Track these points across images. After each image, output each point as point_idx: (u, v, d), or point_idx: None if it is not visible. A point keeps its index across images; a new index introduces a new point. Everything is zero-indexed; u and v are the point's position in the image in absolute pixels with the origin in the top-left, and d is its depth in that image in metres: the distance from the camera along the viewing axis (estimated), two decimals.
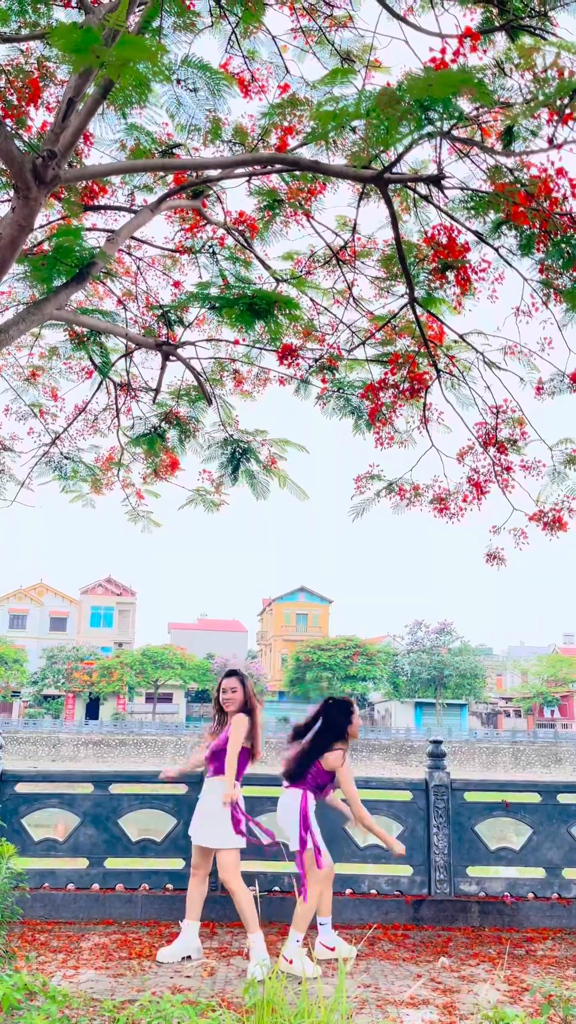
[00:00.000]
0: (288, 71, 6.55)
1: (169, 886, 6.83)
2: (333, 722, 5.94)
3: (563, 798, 7.18)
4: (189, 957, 5.64)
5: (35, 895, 6.54)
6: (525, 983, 5.34)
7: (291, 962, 5.36)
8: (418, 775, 7.28)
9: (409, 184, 6.06)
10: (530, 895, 6.93)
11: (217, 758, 5.82)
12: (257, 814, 7.04)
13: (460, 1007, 4.87)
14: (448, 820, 6.99)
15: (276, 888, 6.81)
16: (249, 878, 6.81)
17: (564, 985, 5.10)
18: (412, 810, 7.05)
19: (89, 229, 6.98)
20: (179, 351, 7.12)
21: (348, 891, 6.78)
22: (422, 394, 7.08)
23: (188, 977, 5.32)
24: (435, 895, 6.85)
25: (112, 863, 6.94)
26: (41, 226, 7.04)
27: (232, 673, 6.02)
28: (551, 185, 5.03)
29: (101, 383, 8.06)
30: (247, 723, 5.78)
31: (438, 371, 7.06)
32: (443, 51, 4.52)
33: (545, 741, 62.32)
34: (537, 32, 4.99)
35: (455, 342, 7.13)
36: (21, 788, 7.08)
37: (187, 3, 5.89)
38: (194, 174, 6.47)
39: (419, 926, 6.68)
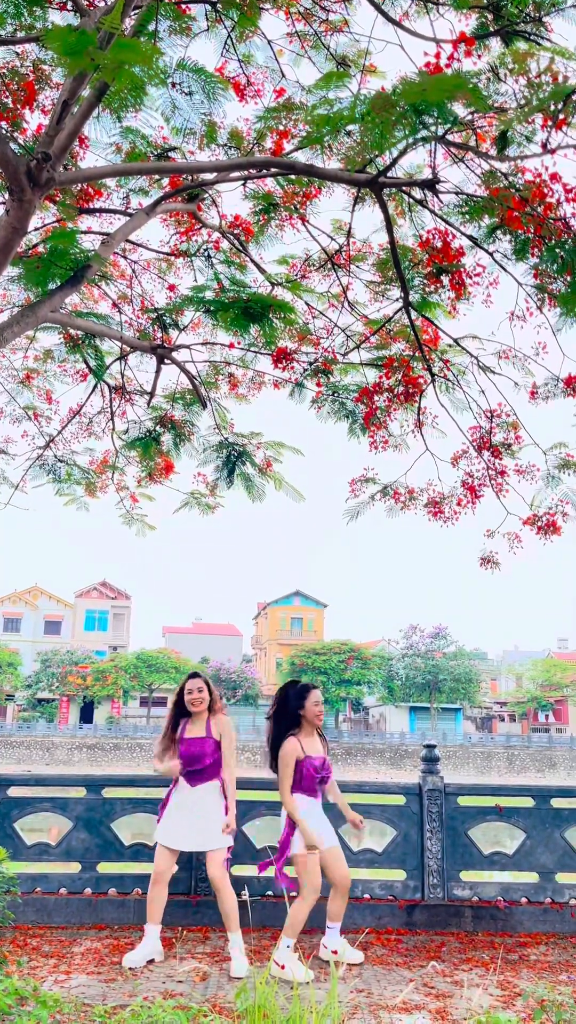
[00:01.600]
0: (284, 75, 6.58)
1: None
2: (285, 706, 5.90)
3: (557, 802, 7.18)
4: (153, 960, 5.65)
5: (27, 899, 6.50)
6: (518, 988, 5.33)
7: (283, 967, 5.33)
8: (412, 779, 7.28)
9: (404, 188, 6.08)
10: (523, 900, 6.92)
11: (199, 762, 5.78)
12: (252, 818, 7.03)
13: (453, 1012, 4.85)
14: (442, 824, 6.98)
15: (268, 893, 6.79)
16: (241, 883, 6.81)
17: (557, 990, 5.09)
18: (406, 814, 7.04)
19: (84, 232, 6.98)
20: (174, 354, 7.12)
21: None
22: (417, 398, 7.09)
23: (180, 982, 5.30)
24: (428, 900, 6.84)
25: (105, 867, 6.91)
26: (36, 229, 7.04)
27: (196, 675, 6.02)
28: (545, 190, 5.04)
29: (96, 386, 8.06)
30: (232, 723, 5.88)
31: (433, 375, 7.07)
32: (438, 56, 4.53)
33: (539, 745, 62.37)
34: (531, 37, 5.01)
35: (450, 346, 7.14)
36: (13, 792, 7.04)
37: (182, 7, 5.90)
38: (189, 177, 6.48)
39: (412, 931, 6.66)
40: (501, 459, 7.12)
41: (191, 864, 6.75)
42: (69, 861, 6.93)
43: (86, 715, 68.70)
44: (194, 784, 5.80)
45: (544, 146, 4.74)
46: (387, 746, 60.70)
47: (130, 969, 5.51)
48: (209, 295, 6.55)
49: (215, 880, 5.64)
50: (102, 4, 5.44)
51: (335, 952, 5.74)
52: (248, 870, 6.92)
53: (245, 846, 6.95)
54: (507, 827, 7.40)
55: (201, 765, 5.78)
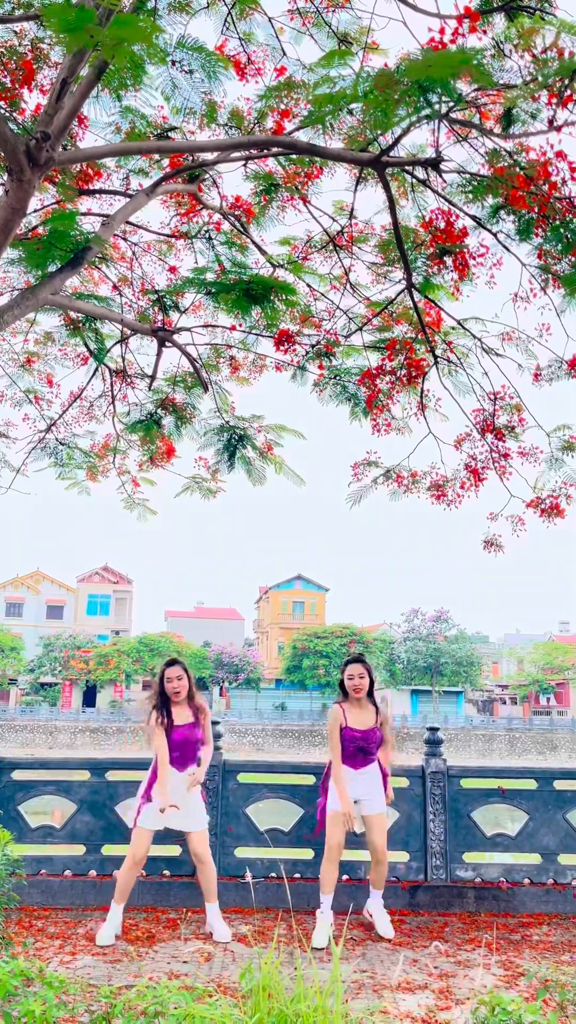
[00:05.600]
0: (285, 53, 6.48)
1: (166, 872, 6.85)
2: (342, 679, 6.35)
3: (559, 784, 7.20)
4: (118, 935, 5.87)
5: (32, 881, 6.54)
6: (521, 968, 5.37)
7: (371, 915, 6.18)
8: (414, 762, 7.29)
9: (407, 168, 6.01)
10: (526, 881, 6.95)
11: (189, 747, 6.06)
12: (254, 800, 7.06)
13: (456, 992, 4.89)
14: (444, 806, 7.01)
15: (272, 874, 6.83)
16: (244, 865, 6.85)
17: (560, 970, 5.11)
18: (409, 797, 7.06)
19: (84, 214, 6.92)
20: (175, 337, 7.07)
21: (345, 877, 6.80)
22: (419, 380, 7.05)
23: (185, 963, 5.34)
24: (431, 881, 6.87)
25: (109, 850, 6.94)
26: (36, 210, 6.98)
27: (174, 662, 6.19)
28: (550, 168, 4.99)
29: (96, 369, 8.02)
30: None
31: (436, 357, 7.03)
32: (442, 31, 4.46)
33: (541, 728, 62.58)
34: (537, 12, 4.93)
35: (453, 328, 7.09)
36: (18, 775, 7.07)
37: None
38: (190, 157, 6.41)
39: (415, 911, 6.70)
40: (504, 441, 7.08)
41: None
42: (73, 843, 6.96)
43: (89, 699, 68.98)
44: (181, 769, 6.03)
45: (551, 123, 4.68)
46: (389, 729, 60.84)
47: (136, 951, 5.56)
48: (210, 277, 6.50)
49: (200, 854, 5.96)
50: None
51: (369, 914, 6.19)
52: (251, 852, 6.96)
53: (248, 828, 6.98)
54: (509, 809, 7.42)
55: (190, 750, 6.06)
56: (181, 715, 6.07)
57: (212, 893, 5.99)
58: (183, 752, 6.04)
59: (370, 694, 6.29)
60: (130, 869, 5.94)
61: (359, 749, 6.19)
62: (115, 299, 7.71)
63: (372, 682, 6.29)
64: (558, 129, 4.67)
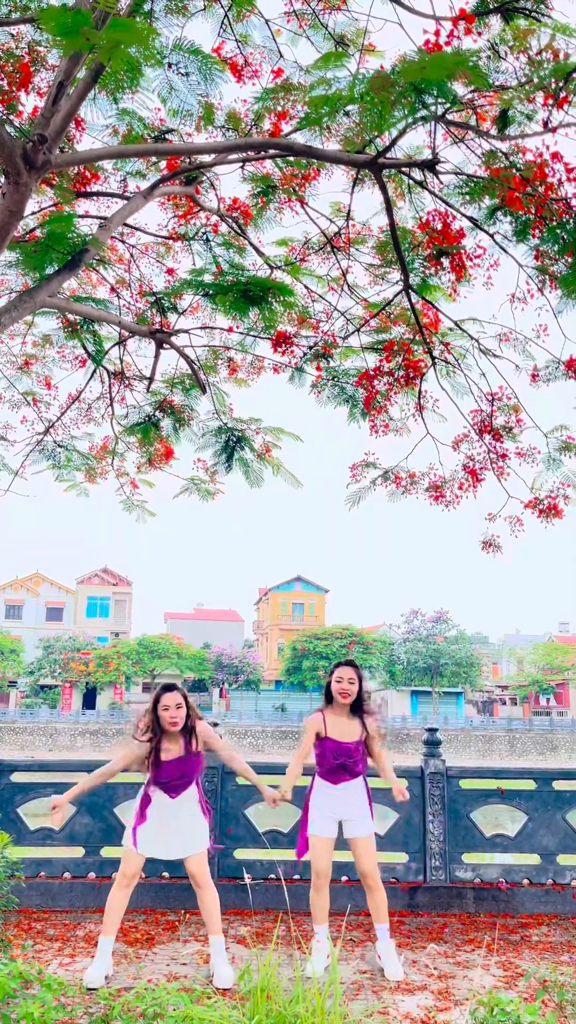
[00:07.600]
0: (281, 55, 6.49)
1: (165, 874, 6.85)
2: (328, 683, 5.61)
3: (558, 785, 7.20)
4: (107, 977, 5.00)
5: (31, 884, 6.54)
6: (520, 968, 5.37)
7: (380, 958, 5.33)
8: (414, 763, 7.30)
9: (403, 169, 6.02)
10: (525, 881, 6.95)
11: (178, 777, 5.28)
12: (254, 803, 7.06)
13: (455, 992, 4.89)
14: (444, 807, 7.01)
15: (271, 876, 6.83)
16: (243, 866, 6.85)
17: (559, 970, 5.12)
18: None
19: (82, 216, 6.93)
20: (173, 339, 7.08)
21: (344, 878, 6.80)
22: (417, 382, 7.06)
23: (184, 964, 5.34)
24: (430, 882, 6.87)
25: (108, 852, 6.94)
26: (33, 213, 6.99)
27: (171, 687, 5.31)
28: (546, 170, 5.00)
29: (94, 371, 8.02)
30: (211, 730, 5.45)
31: (433, 359, 7.04)
32: (437, 33, 4.48)
33: (541, 729, 62.55)
34: (532, 14, 4.94)
35: (450, 329, 7.10)
36: (17, 777, 7.07)
37: None
38: (187, 160, 6.42)
39: (415, 912, 6.70)
40: (502, 442, 7.09)
41: None
42: (73, 846, 6.97)
43: (89, 701, 68.96)
44: (174, 796, 5.28)
45: (545, 125, 4.69)
46: (388, 730, 60.91)
47: (136, 956, 5.55)
48: (208, 278, 6.50)
49: (198, 877, 5.19)
50: None
51: (379, 957, 5.36)
52: (250, 853, 6.96)
53: (247, 829, 6.99)
54: (509, 809, 7.43)
55: (183, 778, 5.30)
56: (173, 748, 5.27)
57: (215, 924, 5.15)
58: (175, 781, 5.27)
59: (357, 707, 5.54)
60: (120, 889, 5.15)
61: (340, 766, 5.45)
62: (113, 301, 7.72)
63: (361, 694, 5.51)
64: (553, 130, 4.68)
